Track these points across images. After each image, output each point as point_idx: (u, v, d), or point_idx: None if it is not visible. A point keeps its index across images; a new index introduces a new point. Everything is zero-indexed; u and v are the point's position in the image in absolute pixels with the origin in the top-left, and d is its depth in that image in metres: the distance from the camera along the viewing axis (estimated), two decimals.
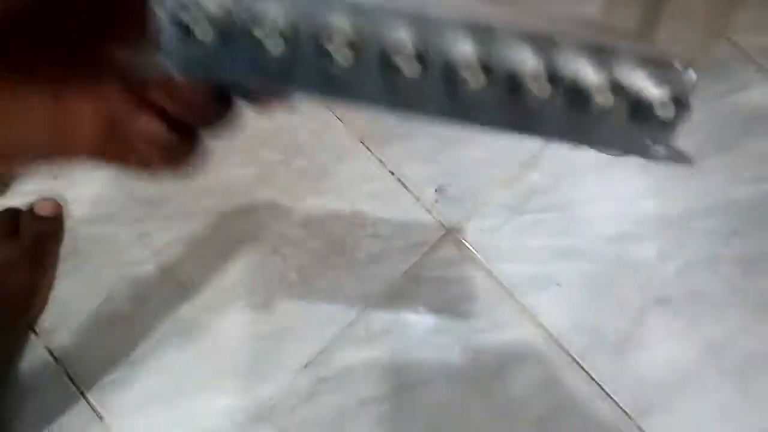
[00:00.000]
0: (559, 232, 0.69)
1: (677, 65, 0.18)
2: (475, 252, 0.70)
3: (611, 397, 0.65)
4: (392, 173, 0.74)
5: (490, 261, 0.70)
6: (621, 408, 0.64)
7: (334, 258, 0.71)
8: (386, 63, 0.17)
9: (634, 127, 0.18)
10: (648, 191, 0.70)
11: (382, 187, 0.74)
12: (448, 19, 0.17)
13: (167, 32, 0.17)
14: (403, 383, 0.66)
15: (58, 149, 0.21)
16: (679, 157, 0.19)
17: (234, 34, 0.17)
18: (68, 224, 0.72)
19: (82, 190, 0.73)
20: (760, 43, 0.74)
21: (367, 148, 0.75)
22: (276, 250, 0.72)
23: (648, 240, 0.68)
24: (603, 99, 0.18)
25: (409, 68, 0.17)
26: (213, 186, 0.74)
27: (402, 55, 0.17)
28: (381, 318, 0.69)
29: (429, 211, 0.72)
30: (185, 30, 0.17)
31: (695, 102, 0.17)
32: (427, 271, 0.70)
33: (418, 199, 0.73)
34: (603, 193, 0.70)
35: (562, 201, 0.70)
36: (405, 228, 0.72)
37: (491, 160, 0.73)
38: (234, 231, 0.73)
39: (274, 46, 0.17)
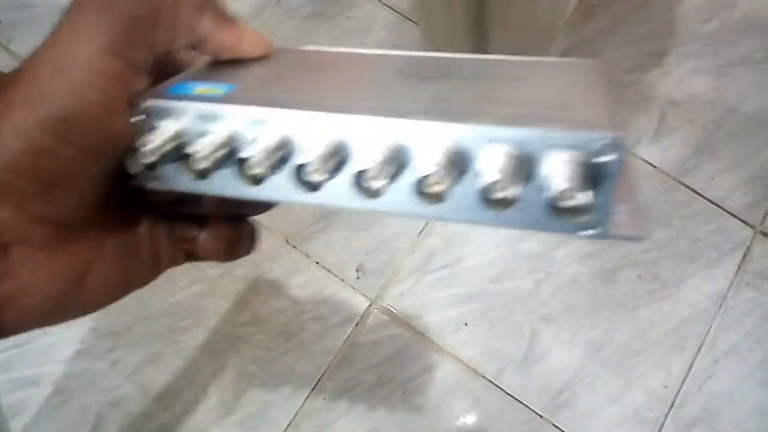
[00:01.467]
0: (457, 283, 0.86)
1: (595, 149, 0.17)
2: (397, 313, 0.86)
3: (525, 405, 0.81)
4: (317, 263, 0.89)
5: (410, 318, 0.85)
6: (535, 412, 0.80)
7: (284, 344, 0.85)
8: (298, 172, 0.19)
9: (557, 219, 0.18)
10: (517, 236, 0.88)
11: (311, 276, 0.88)
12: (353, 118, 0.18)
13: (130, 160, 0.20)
14: None
15: (128, 283, 0.23)
16: (623, 233, 0.18)
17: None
18: (51, 368, 0.83)
19: (60, 334, 0.85)
20: None
21: (293, 246, 0.90)
22: (233, 349, 0.85)
23: (523, 273, 0.86)
24: (502, 195, 0.17)
25: (323, 177, 0.19)
26: (167, 308, 0.87)
27: (312, 165, 0.18)
28: (334, 385, 0.83)
29: (354, 288, 0.88)
30: (141, 157, 0.20)
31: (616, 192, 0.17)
32: (362, 337, 0.85)
33: (343, 280, 0.88)
34: (484, 245, 0.88)
35: (455, 258, 0.87)
36: (337, 306, 0.87)
37: (395, 235, 0.90)
38: (192, 342, 0.85)
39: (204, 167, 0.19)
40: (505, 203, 0.18)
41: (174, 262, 0.25)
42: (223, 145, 0.20)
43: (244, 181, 0.20)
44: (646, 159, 0.92)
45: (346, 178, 0.19)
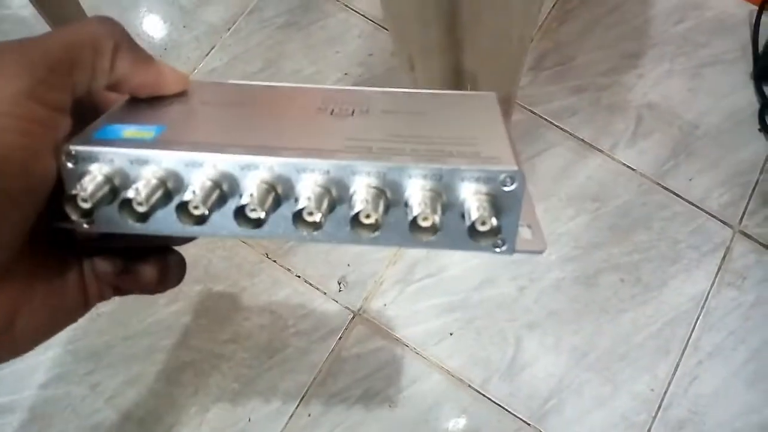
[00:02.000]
0: (440, 292, 0.86)
1: (501, 179, 0.20)
2: (381, 325, 0.85)
3: (512, 413, 0.80)
4: (299, 277, 0.88)
5: (394, 329, 0.85)
6: (522, 419, 0.80)
7: (266, 361, 0.83)
8: (239, 211, 0.21)
9: (474, 240, 0.21)
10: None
11: (292, 291, 0.87)
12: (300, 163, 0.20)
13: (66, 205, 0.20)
14: None
15: (59, 320, 0.23)
16: (527, 248, 0.22)
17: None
18: (26, 393, 0.81)
19: (37, 358, 0.82)
20: (551, 109, 0.96)
21: (273, 261, 0.88)
22: (214, 367, 0.83)
23: (506, 281, 0.86)
24: (426, 224, 0.20)
25: (260, 216, 0.21)
26: (147, 327, 0.85)
27: (251, 205, 0.20)
28: (319, 401, 0.81)
29: (336, 301, 0.86)
30: (76, 203, 0.20)
31: (519, 211, 0.20)
32: (346, 351, 0.84)
33: (325, 293, 0.87)
34: (465, 253, 0.87)
35: (437, 267, 0.87)
36: (320, 319, 0.86)
37: (376, 247, 0.89)
38: (173, 361, 0.84)
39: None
40: (430, 230, 0.20)
41: (102, 297, 0.25)
42: (159, 189, 0.21)
43: (186, 221, 0.21)
44: (624, 162, 0.93)
45: (286, 214, 0.21)
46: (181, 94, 0.26)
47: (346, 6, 1.03)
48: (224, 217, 0.21)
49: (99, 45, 0.21)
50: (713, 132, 0.95)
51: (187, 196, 0.20)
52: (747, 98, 0.97)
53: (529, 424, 0.79)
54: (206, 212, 0.20)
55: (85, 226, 0.21)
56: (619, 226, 0.89)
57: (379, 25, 1.01)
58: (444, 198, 0.20)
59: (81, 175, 0.20)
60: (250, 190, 0.20)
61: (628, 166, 0.92)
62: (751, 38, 1.00)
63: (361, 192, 0.20)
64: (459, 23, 0.55)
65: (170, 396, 0.82)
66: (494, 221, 0.20)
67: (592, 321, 0.84)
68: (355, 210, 0.20)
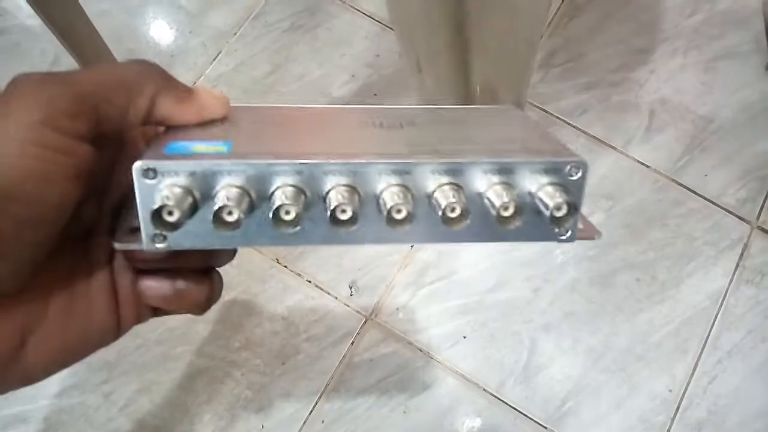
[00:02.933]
0: (453, 295, 0.85)
1: (567, 170, 0.21)
2: (393, 329, 0.84)
3: (529, 417, 0.79)
4: (310, 282, 0.87)
5: (407, 333, 0.84)
6: (538, 423, 0.79)
7: (279, 367, 0.83)
8: (331, 214, 0.21)
9: (538, 226, 0.22)
10: (507, 245, 0.87)
11: (304, 296, 0.87)
12: (375, 165, 0.21)
13: (144, 221, 0.20)
14: None
15: (80, 345, 0.23)
16: (584, 236, 0.23)
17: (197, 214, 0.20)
18: (41, 403, 0.81)
19: None
20: (562, 106, 0.95)
21: (284, 266, 0.88)
22: (227, 375, 0.83)
23: (520, 282, 0.85)
24: (508, 213, 0.21)
25: (349, 216, 0.21)
26: (160, 335, 0.85)
27: (341, 206, 0.20)
28: (332, 407, 0.81)
29: (348, 305, 0.86)
30: (160, 218, 0.20)
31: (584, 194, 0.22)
32: (359, 356, 0.83)
33: (336, 298, 0.86)
34: (476, 255, 0.86)
35: (449, 270, 0.86)
36: (332, 324, 0.85)
37: (386, 250, 0.88)
38: (186, 369, 0.83)
39: (230, 216, 0.20)
40: (512, 218, 0.22)
41: (139, 319, 0.25)
42: (245, 197, 0.21)
43: (279, 226, 0.21)
44: (637, 159, 0.91)
45: (372, 216, 0.21)
46: (225, 118, 0.26)
47: (352, 7, 1.02)
48: (312, 222, 0.21)
49: (136, 87, 0.22)
50: (728, 126, 0.93)
51: (278, 200, 0.20)
52: (762, 90, 0.95)
53: (545, 428, 0.78)
54: (297, 215, 0.21)
55: (158, 245, 0.21)
56: (634, 224, 0.88)
57: (386, 26, 1.00)
58: (516, 190, 0.21)
59: (160, 190, 0.20)
60: (337, 193, 0.20)
61: (642, 163, 0.91)
62: (765, 29, 0.98)
63: (441, 190, 0.21)
64: (466, 25, 0.54)
65: (183, 404, 0.81)
66: (567, 205, 0.21)
67: (608, 321, 0.83)
68: (442, 206, 0.21)
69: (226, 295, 0.86)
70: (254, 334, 0.85)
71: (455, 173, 0.21)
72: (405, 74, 0.93)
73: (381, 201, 0.21)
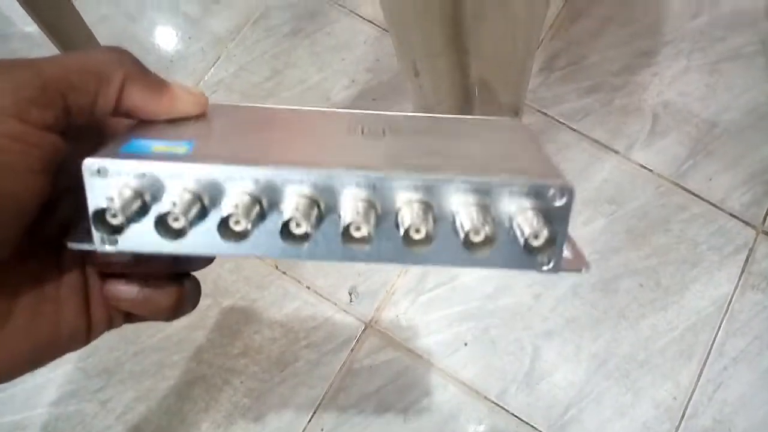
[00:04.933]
0: (453, 302, 0.84)
1: (551, 194, 0.19)
2: (394, 336, 0.83)
3: (531, 425, 0.78)
4: (309, 288, 0.86)
5: (407, 340, 0.83)
6: (541, 431, 0.78)
7: (278, 374, 0.82)
8: (283, 227, 0.19)
9: (516, 254, 0.20)
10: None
11: (303, 302, 0.86)
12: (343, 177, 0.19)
13: (92, 222, 0.19)
14: None
15: (48, 347, 0.22)
16: (570, 267, 0.21)
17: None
18: (39, 411, 0.80)
19: (47, 375, 0.82)
20: (564, 110, 0.93)
21: (283, 272, 0.87)
22: (225, 382, 0.82)
23: (521, 288, 0.84)
24: (478, 239, 0.19)
25: (303, 231, 0.19)
26: (157, 343, 0.84)
27: (295, 219, 0.19)
28: (332, 414, 0.80)
29: (347, 312, 0.85)
30: (104, 219, 0.19)
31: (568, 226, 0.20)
32: (358, 363, 0.82)
33: (335, 304, 0.85)
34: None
35: (449, 276, 0.85)
36: (332, 331, 0.84)
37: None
38: (184, 377, 0.82)
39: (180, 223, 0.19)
40: (483, 245, 0.20)
41: (110, 324, 0.24)
42: (196, 203, 0.19)
43: (227, 238, 0.20)
44: (641, 163, 0.90)
45: (333, 230, 0.20)
46: (202, 115, 0.24)
47: (352, 12, 1.01)
48: (266, 233, 0.20)
49: (105, 74, 0.21)
50: (733, 129, 0.92)
51: (226, 210, 0.19)
52: (767, 93, 0.94)
53: None
54: (248, 227, 0.19)
55: (108, 247, 0.20)
56: (637, 229, 0.87)
57: (386, 31, 0.99)
58: (492, 213, 0.20)
59: (108, 190, 0.19)
60: (293, 204, 0.19)
61: (644, 167, 0.90)
62: None
63: (409, 207, 0.19)
64: (462, 28, 0.53)
65: (181, 412, 0.81)
66: (546, 234, 0.19)
67: (611, 328, 0.82)
68: (405, 225, 0.19)
69: (224, 302, 0.85)
70: (253, 340, 0.84)
71: (427, 190, 0.20)
72: (404, 79, 0.92)
73: (341, 215, 0.19)
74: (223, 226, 0.19)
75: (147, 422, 0.80)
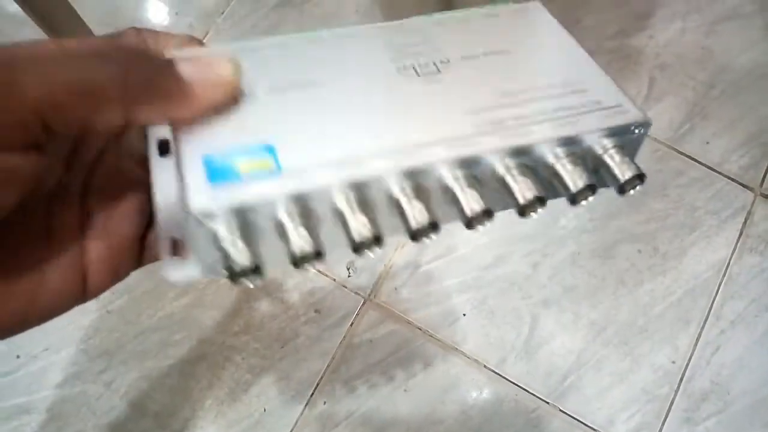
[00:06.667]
0: (451, 273, 0.84)
1: (632, 130, 0.21)
2: (393, 309, 0.83)
3: (530, 392, 0.79)
4: None
5: (406, 313, 0.83)
6: (540, 398, 0.78)
7: (279, 350, 0.82)
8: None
9: (620, 194, 0.22)
10: (506, 219, 0.85)
11: (302, 278, 0.86)
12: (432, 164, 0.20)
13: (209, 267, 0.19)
14: None
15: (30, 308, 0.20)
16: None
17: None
18: (43, 394, 0.81)
19: (50, 358, 0.82)
20: None
21: None
22: (227, 359, 0.82)
23: (519, 257, 0.84)
24: (574, 184, 0.21)
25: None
26: (158, 322, 0.84)
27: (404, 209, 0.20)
28: (333, 388, 0.81)
29: (346, 287, 0.85)
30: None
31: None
32: (358, 336, 0.82)
33: (334, 280, 0.85)
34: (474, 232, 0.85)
35: (446, 247, 0.85)
36: (331, 306, 0.85)
37: None
38: (186, 355, 0.83)
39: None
40: (587, 190, 0.21)
41: (116, 276, 0.22)
42: (312, 228, 0.19)
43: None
44: None
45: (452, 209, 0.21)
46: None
47: None
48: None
49: (99, 94, 0.17)
50: (730, 91, 0.91)
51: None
52: (766, 53, 0.92)
53: (547, 402, 0.78)
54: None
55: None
56: (634, 194, 0.86)
57: None
58: (581, 158, 0.21)
59: (219, 242, 0.18)
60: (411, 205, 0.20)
61: None
62: None
63: (515, 173, 0.20)
64: None
65: (184, 390, 0.81)
66: (635, 169, 0.21)
67: (609, 294, 0.82)
68: (516, 193, 0.20)
69: (223, 280, 0.85)
70: (253, 317, 0.84)
71: (523, 154, 0.20)
72: None
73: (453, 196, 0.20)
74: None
75: (152, 401, 0.81)
